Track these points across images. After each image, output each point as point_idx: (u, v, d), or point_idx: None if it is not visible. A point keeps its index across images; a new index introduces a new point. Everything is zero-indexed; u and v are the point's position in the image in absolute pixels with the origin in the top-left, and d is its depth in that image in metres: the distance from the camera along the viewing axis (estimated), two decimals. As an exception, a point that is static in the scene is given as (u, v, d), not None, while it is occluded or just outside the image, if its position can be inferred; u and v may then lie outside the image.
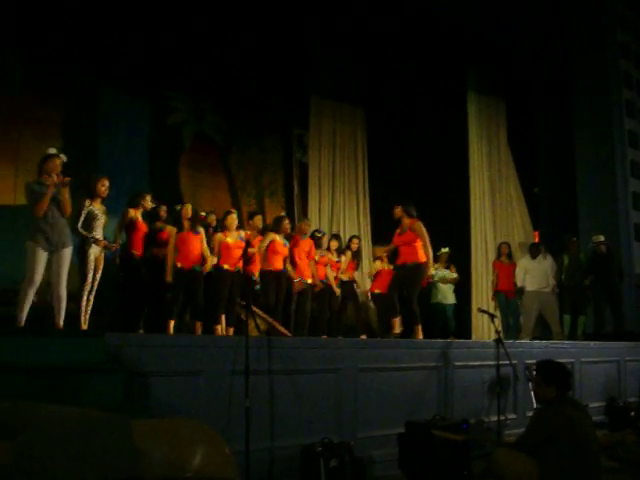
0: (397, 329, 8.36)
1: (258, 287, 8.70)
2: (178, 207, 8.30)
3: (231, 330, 8.30)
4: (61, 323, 6.15)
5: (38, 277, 6.01)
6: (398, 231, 8.33)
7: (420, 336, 8.05)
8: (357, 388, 6.28)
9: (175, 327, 7.95)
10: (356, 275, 10.36)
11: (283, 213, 9.60)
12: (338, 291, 9.63)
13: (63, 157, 6.36)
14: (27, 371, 4.44)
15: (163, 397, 4.90)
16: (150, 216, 8.21)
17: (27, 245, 6.06)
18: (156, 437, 2.23)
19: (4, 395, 4.00)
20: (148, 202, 7.91)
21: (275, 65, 11.95)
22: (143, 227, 7.86)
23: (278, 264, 8.61)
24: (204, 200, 11.59)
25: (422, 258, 8.04)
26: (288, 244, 8.87)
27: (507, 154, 13.52)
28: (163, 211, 8.36)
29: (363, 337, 8.77)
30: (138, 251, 7.76)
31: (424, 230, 8.13)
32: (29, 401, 3.44)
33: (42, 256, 6.02)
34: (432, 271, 9.70)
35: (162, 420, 2.57)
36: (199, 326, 7.95)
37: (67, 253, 6.21)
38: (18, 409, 2.01)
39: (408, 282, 8.09)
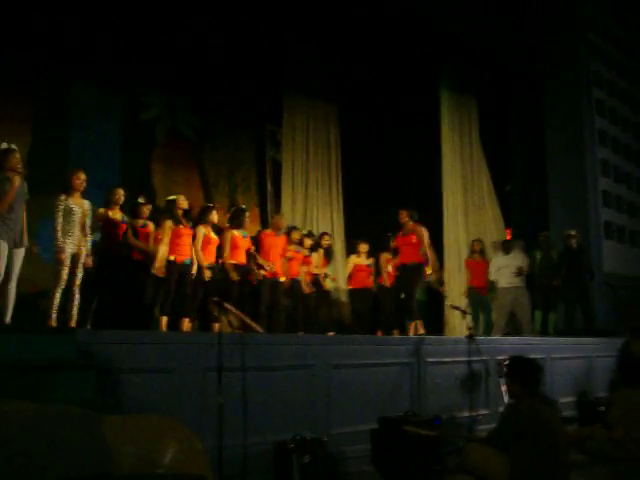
0: (421, 330, 8.94)
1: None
2: (172, 197, 8.21)
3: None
4: (8, 319, 6.09)
5: (1, 270, 5.96)
6: (400, 233, 9.30)
7: (422, 331, 8.77)
8: (330, 384, 6.30)
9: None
10: (328, 271, 10.37)
11: (243, 206, 9.45)
12: (310, 289, 9.62)
13: (12, 146, 6.34)
14: (-3, 368, 4.39)
15: (135, 394, 4.87)
16: (131, 212, 8.11)
17: None
18: (128, 433, 2.22)
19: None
20: (120, 196, 7.78)
21: (248, 62, 11.90)
22: (119, 224, 7.76)
23: (241, 258, 8.55)
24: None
25: (419, 258, 8.97)
26: (247, 236, 8.80)
27: (479, 152, 13.60)
28: (147, 209, 8.26)
29: (331, 334, 8.77)
30: (115, 249, 7.67)
31: (426, 233, 9.15)
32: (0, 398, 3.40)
33: (5, 249, 5.98)
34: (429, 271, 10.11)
35: (134, 416, 2.56)
36: (186, 322, 7.86)
37: (22, 252, 6.23)
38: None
39: (408, 281, 9.02)
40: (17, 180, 6.12)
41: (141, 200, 8.09)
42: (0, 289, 6.08)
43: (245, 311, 7.67)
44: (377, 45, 12.18)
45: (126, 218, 7.90)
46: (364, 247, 10.27)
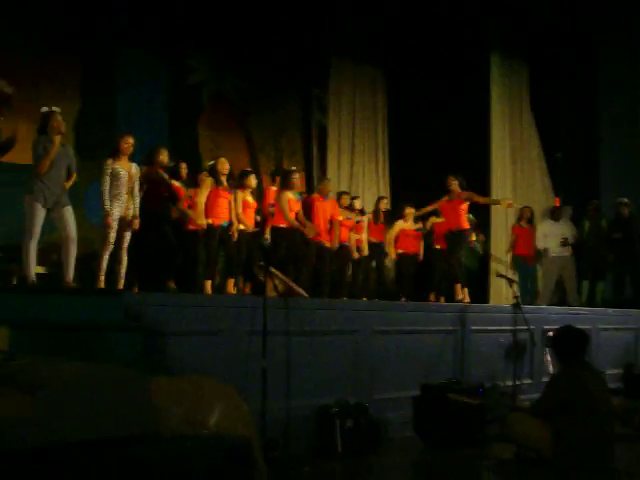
0: (460, 295, 9.03)
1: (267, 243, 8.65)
2: (212, 162, 8.23)
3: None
4: (70, 280, 6.20)
5: (37, 232, 6.06)
6: (446, 198, 9.33)
7: (461, 296, 8.93)
8: (373, 350, 6.31)
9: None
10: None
11: (293, 168, 9.39)
12: (358, 254, 9.60)
13: (54, 108, 6.41)
14: (46, 328, 4.50)
15: (181, 356, 4.95)
16: (171, 174, 8.13)
17: (26, 200, 6.11)
18: (174, 394, 2.25)
19: (24, 351, 4.06)
20: (164, 156, 7.72)
21: (295, 26, 11.80)
22: (161, 183, 7.76)
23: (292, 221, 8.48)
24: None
25: (465, 224, 9.26)
26: (300, 199, 8.77)
27: (530, 118, 13.31)
28: (183, 169, 8.29)
29: (375, 300, 8.76)
30: (155, 207, 7.69)
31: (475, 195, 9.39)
32: (49, 357, 3.49)
33: (41, 210, 6.07)
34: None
35: (180, 378, 2.59)
36: (231, 283, 7.95)
37: (69, 211, 6.26)
38: (38, 365, 2.04)
39: (454, 248, 9.20)
40: (57, 141, 6.19)
41: (171, 162, 8.05)
42: (60, 248, 6.22)
43: (290, 275, 7.73)
44: (425, 8, 11.94)
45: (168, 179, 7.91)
46: (410, 211, 10.14)
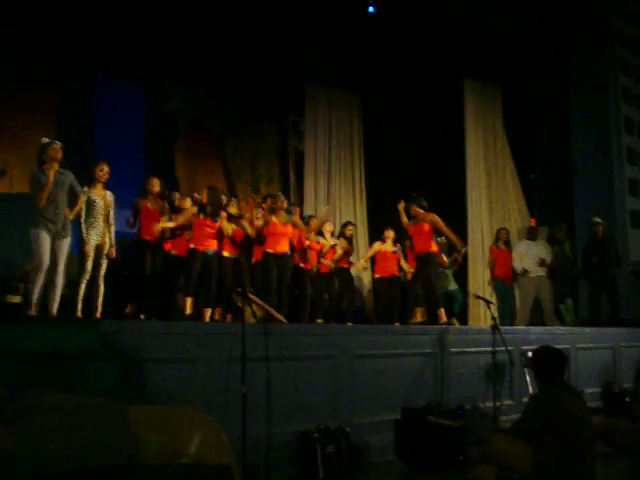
0: (419, 318, 8.96)
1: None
2: (196, 194, 8.48)
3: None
4: (54, 310, 6.17)
5: (45, 262, 6.05)
6: (412, 222, 8.99)
7: (444, 319, 8.56)
8: (353, 374, 6.31)
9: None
10: (352, 260, 10.33)
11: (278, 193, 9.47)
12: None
13: (59, 145, 6.40)
14: (23, 358, 4.45)
15: (160, 384, 4.91)
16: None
17: (31, 233, 6.10)
18: (153, 423, 2.24)
19: (3, 382, 4.01)
20: (155, 186, 7.84)
21: (270, 52, 11.91)
22: (153, 212, 7.82)
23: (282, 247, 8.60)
24: (200, 187, 11.59)
25: (434, 248, 8.81)
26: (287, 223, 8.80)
27: (503, 140, 13.52)
28: (177, 199, 8.43)
29: (350, 324, 8.77)
30: (149, 236, 7.74)
31: (438, 218, 8.83)
32: (26, 388, 3.45)
33: (47, 240, 6.07)
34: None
35: (159, 407, 2.58)
36: (207, 312, 7.96)
37: (66, 243, 6.28)
38: (15, 395, 2.02)
39: (422, 271, 8.75)
40: (51, 174, 6.18)
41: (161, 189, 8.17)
42: (47, 280, 6.18)
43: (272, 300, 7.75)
44: (400, 34, 12.12)
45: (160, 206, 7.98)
46: (390, 233, 10.12)
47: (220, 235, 8.12)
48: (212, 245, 7.95)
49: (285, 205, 8.97)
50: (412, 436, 6.03)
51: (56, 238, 6.20)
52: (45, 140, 6.42)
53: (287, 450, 5.55)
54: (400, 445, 6.14)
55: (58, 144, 6.38)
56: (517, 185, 13.54)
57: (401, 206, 9.10)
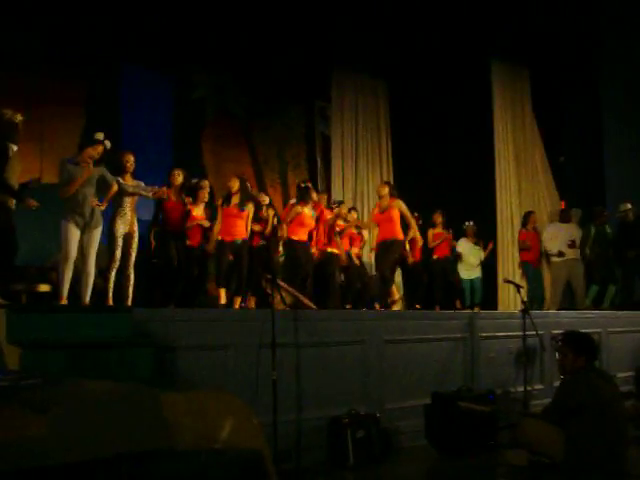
0: (397, 295, 9.03)
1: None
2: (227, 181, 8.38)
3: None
4: (87, 299, 6.24)
5: (73, 253, 6.11)
6: (377, 210, 8.89)
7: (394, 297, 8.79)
8: (383, 360, 6.32)
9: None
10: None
11: (308, 183, 9.46)
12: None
13: (107, 144, 6.45)
14: (57, 347, 4.51)
15: (192, 370, 4.97)
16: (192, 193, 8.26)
17: (61, 224, 6.18)
18: (185, 409, 2.26)
19: (35, 370, 4.07)
20: (178, 177, 7.88)
21: (297, 38, 11.86)
22: (176, 204, 7.86)
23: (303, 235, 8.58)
24: (228, 174, 11.63)
25: (399, 234, 8.66)
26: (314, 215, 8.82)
27: (532, 123, 13.34)
28: (205, 188, 8.42)
29: (379, 310, 8.77)
30: (170, 227, 7.79)
31: (404, 205, 8.75)
32: (60, 375, 3.50)
33: (74, 233, 6.13)
34: (459, 247, 10.55)
35: (191, 392, 2.61)
36: (237, 300, 8.02)
37: (97, 233, 6.33)
38: (50, 383, 2.06)
39: (384, 258, 8.62)
40: (85, 173, 6.23)
41: (193, 180, 8.20)
42: (78, 270, 6.26)
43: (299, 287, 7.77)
44: (426, 17, 11.99)
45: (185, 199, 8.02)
46: (439, 218, 10.34)
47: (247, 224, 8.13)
48: (241, 234, 7.97)
49: (315, 197, 9.13)
50: (443, 421, 6.03)
51: (85, 229, 6.25)
52: (99, 136, 6.45)
53: (318, 435, 5.59)
54: (430, 430, 6.14)
55: (101, 147, 6.40)
56: (547, 168, 13.38)
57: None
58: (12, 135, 5.79)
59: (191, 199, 8.08)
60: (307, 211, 8.56)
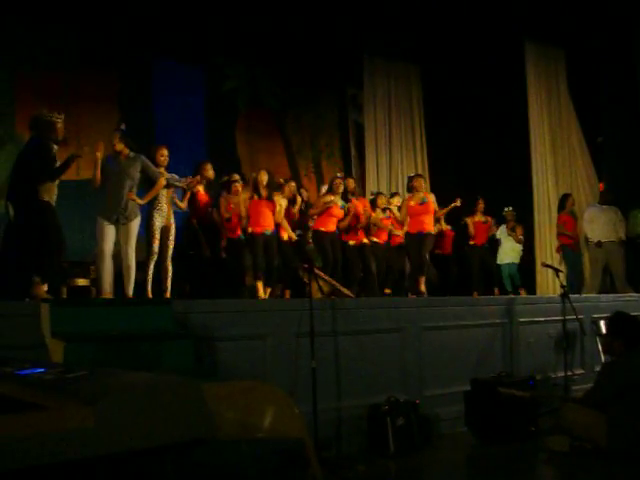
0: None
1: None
2: (254, 174, 8.37)
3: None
4: (130, 292, 6.34)
5: (107, 249, 6.20)
6: (413, 202, 8.97)
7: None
8: (421, 347, 6.31)
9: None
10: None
11: (339, 174, 9.50)
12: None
13: (122, 125, 6.56)
14: (99, 339, 4.59)
15: (232, 361, 5.02)
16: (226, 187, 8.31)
17: (96, 220, 6.27)
18: (227, 399, 2.30)
19: (79, 363, 4.15)
20: (209, 171, 7.92)
21: (326, 27, 11.82)
22: (203, 197, 7.92)
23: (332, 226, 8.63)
24: (262, 165, 11.67)
25: (432, 228, 8.98)
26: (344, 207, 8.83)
27: (568, 104, 13.13)
28: (238, 183, 8.48)
29: (412, 296, 8.76)
30: (196, 220, 7.85)
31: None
32: (104, 368, 3.56)
33: (107, 229, 6.20)
34: (499, 233, 10.67)
35: (231, 383, 2.64)
36: (267, 290, 8.08)
37: (133, 226, 6.40)
38: (95, 376, 2.10)
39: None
40: (99, 157, 6.34)
41: (226, 177, 8.30)
42: (117, 264, 6.37)
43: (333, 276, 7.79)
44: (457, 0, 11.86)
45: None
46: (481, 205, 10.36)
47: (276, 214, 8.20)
48: (270, 225, 8.02)
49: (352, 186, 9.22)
50: (482, 407, 6.00)
51: (120, 223, 6.32)
52: (123, 127, 6.61)
53: (357, 423, 5.60)
54: (470, 417, 6.11)
55: (116, 135, 6.51)
56: (584, 149, 13.16)
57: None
58: (53, 135, 5.89)
59: (226, 192, 8.17)
60: (337, 201, 8.57)
